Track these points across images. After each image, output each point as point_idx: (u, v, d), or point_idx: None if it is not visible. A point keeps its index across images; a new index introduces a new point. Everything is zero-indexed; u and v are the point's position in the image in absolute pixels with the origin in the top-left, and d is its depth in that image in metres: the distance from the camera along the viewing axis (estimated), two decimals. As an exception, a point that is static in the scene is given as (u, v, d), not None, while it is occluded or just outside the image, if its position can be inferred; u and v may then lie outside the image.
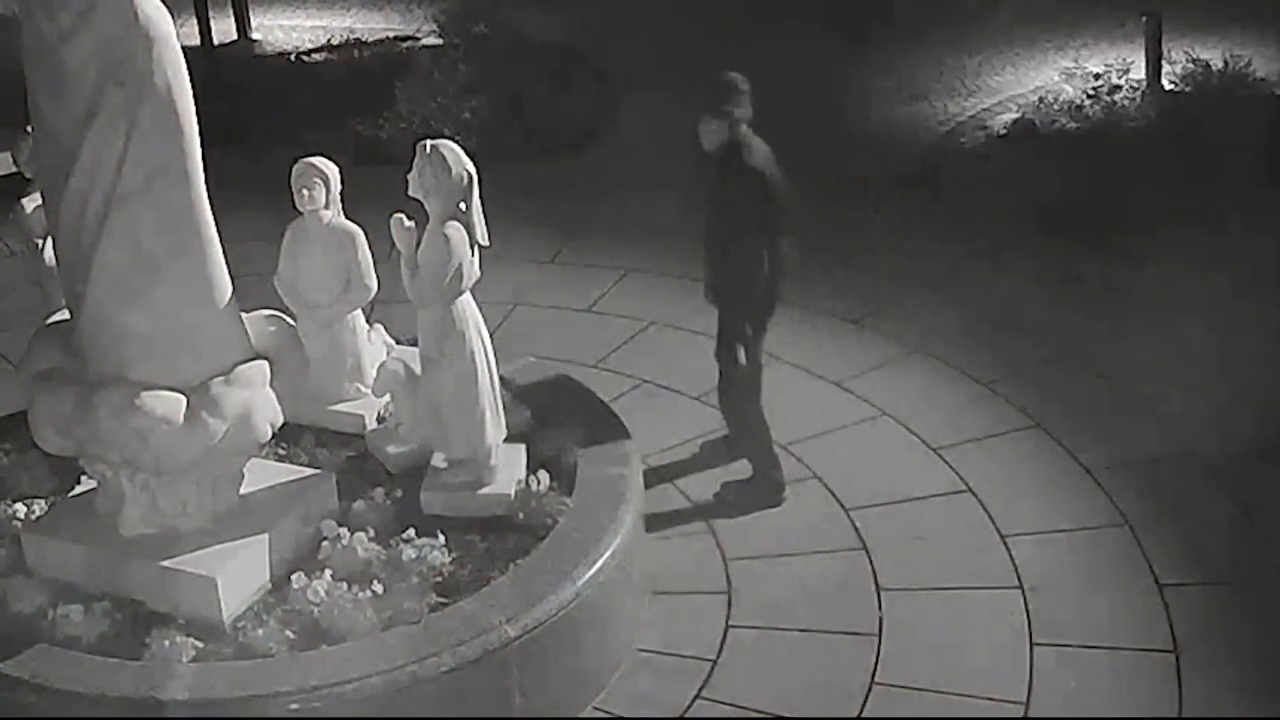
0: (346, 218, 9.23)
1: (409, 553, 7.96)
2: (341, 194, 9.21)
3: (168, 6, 7.37)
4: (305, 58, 19.76)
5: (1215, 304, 11.87)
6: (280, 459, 8.80)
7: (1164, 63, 16.15)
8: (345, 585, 7.73)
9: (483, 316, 8.36)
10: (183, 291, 7.53)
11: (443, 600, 7.73)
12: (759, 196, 9.28)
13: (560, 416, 9.25)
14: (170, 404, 7.45)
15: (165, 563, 7.73)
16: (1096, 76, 16.03)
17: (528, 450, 8.86)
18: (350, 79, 18.00)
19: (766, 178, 9.30)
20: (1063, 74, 16.69)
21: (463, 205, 8.06)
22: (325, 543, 8.06)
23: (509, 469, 8.61)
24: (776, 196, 9.36)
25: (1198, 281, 12.21)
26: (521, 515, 8.37)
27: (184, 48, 7.49)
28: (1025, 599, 8.70)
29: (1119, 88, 15.73)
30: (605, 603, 8.06)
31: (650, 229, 13.70)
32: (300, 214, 9.13)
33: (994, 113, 16.63)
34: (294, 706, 7.14)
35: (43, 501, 8.65)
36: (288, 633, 7.52)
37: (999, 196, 14.04)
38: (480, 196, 8.13)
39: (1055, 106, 15.80)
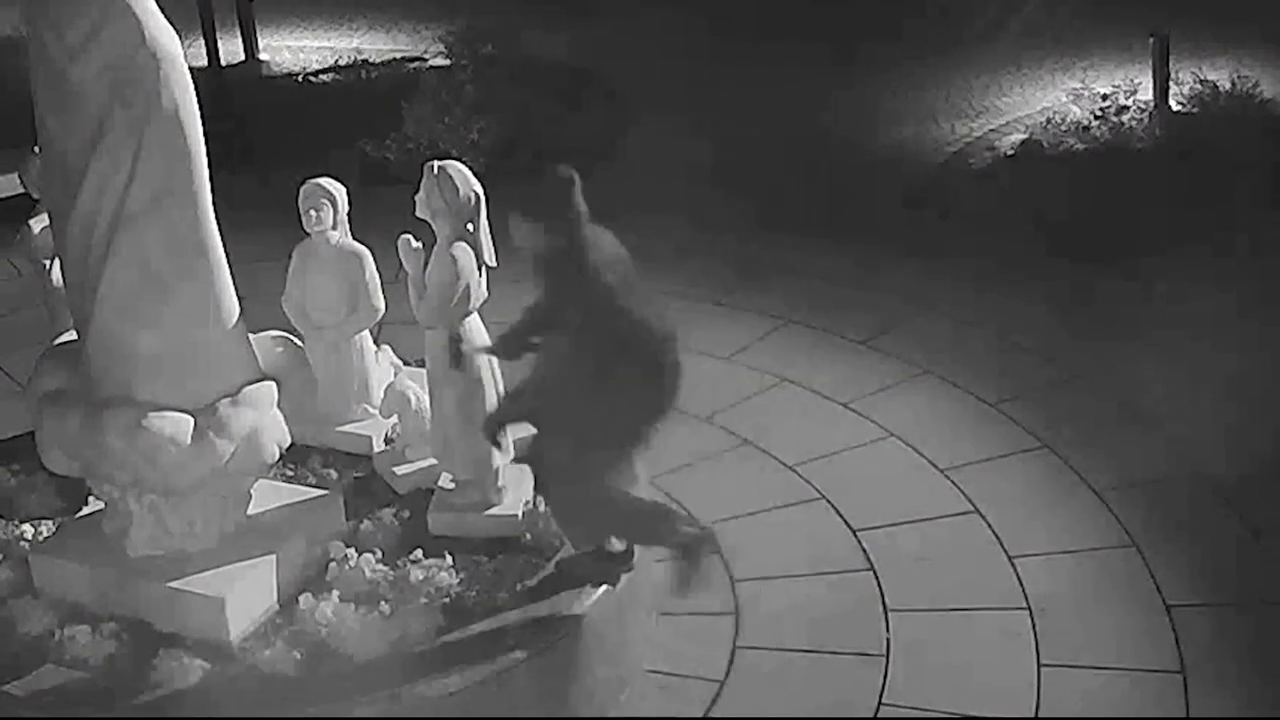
0: (354, 238, 9.24)
1: (416, 574, 7.95)
2: (349, 215, 9.21)
3: (175, 27, 7.39)
4: (313, 79, 19.84)
5: (1223, 324, 11.87)
6: (288, 480, 8.78)
7: (1171, 83, 16.21)
8: (353, 606, 7.72)
9: (490, 337, 8.36)
10: (190, 312, 7.53)
11: (450, 621, 7.72)
12: (607, 315, 7.44)
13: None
14: (178, 425, 7.45)
15: (172, 583, 7.72)
16: (1104, 97, 16.06)
17: (535, 471, 8.86)
18: (358, 100, 18.06)
19: (615, 290, 7.45)
20: (1070, 95, 16.73)
21: (470, 226, 8.07)
22: (333, 563, 8.05)
23: (516, 490, 8.59)
24: (628, 311, 7.50)
25: (1205, 301, 12.22)
26: (529, 536, 8.35)
27: (191, 68, 7.51)
28: (1033, 619, 8.67)
29: (1126, 108, 15.77)
30: (612, 623, 8.05)
31: (657, 250, 13.69)
32: (308, 235, 9.14)
33: (1001, 133, 16.68)
34: (300, 728, 7.15)
35: (50, 522, 8.65)
36: (295, 654, 7.50)
37: (1006, 217, 14.07)
38: (488, 217, 8.14)
39: (1062, 127, 15.83)
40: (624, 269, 7.54)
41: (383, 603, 7.74)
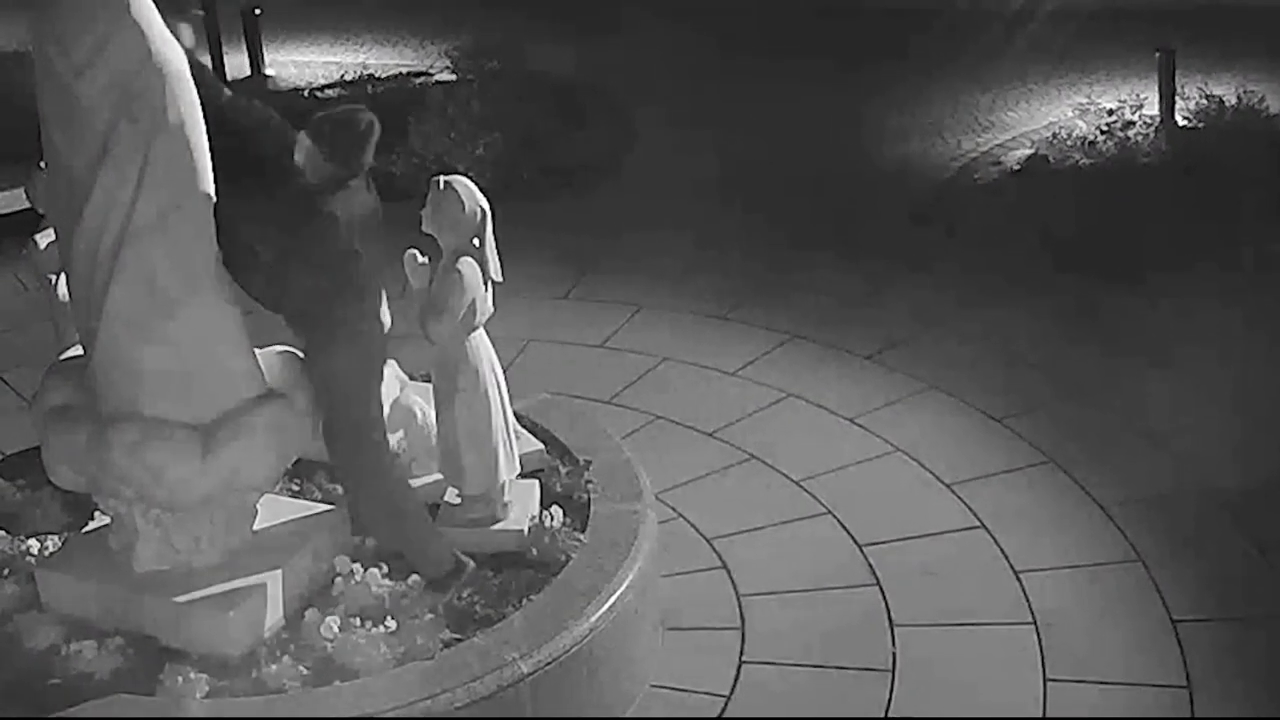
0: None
1: (422, 588, 7.95)
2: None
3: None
4: (318, 93, 19.80)
5: (1229, 339, 11.86)
6: (293, 495, 8.78)
7: (1177, 98, 16.20)
8: (358, 621, 7.71)
9: (496, 352, 8.36)
10: (196, 327, 7.53)
11: (456, 636, 7.70)
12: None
13: (573, 452, 9.24)
14: (183, 440, 7.45)
15: (178, 599, 7.72)
16: (1110, 112, 16.06)
17: (541, 486, 8.85)
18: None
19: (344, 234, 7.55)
20: (1076, 109, 16.74)
21: (476, 241, 8.06)
22: (338, 579, 8.05)
23: (522, 505, 8.60)
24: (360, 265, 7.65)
25: (1211, 316, 12.21)
26: (535, 551, 8.34)
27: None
28: (1039, 635, 8.66)
29: (1132, 123, 15.75)
30: (618, 638, 8.04)
31: (663, 265, 13.73)
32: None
33: (1008, 148, 16.68)
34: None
35: (56, 537, 8.64)
36: (301, 669, 7.49)
37: (1012, 232, 14.06)
38: (494, 232, 8.14)
39: (1069, 142, 15.82)
40: (369, 225, 7.69)
41: (388, 617, 7.73)
